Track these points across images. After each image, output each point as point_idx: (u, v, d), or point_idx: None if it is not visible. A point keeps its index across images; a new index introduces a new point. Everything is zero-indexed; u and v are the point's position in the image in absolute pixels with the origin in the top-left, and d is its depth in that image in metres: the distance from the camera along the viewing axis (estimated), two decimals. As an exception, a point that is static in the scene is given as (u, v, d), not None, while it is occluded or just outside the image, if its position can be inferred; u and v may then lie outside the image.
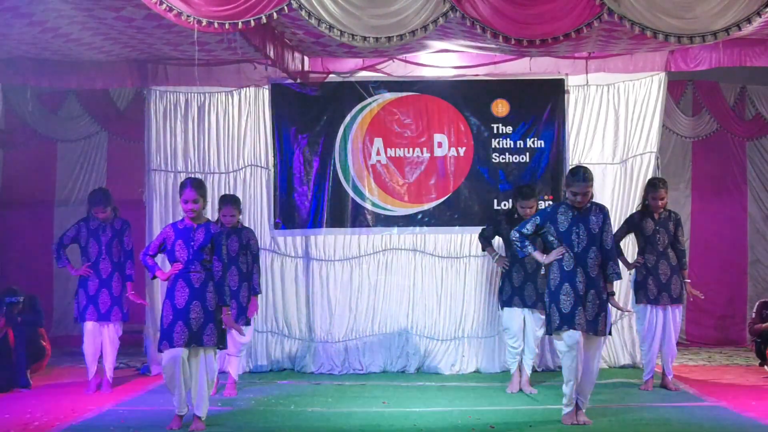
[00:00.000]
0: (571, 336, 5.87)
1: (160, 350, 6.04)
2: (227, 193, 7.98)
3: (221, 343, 6.07)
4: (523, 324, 7.33)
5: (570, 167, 8.26)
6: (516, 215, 7.32)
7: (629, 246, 7.89)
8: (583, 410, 6.00)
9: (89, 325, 7.37)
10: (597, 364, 6.03)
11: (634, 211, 7.62)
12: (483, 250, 7.72)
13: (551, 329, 6.01)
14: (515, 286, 7.28)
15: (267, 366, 8.45)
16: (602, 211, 6.05)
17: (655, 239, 7.22)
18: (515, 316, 7.32)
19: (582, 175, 5.98)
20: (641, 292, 7.24)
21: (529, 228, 6.12)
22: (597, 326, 5.91)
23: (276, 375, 8.27)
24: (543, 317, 7.02)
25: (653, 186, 7.33)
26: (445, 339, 8.41)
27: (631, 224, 7.37)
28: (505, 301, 7.35)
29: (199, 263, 5.95)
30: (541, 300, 7.02)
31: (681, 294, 7.25)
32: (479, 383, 7.82)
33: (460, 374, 8.28)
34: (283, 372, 8.40)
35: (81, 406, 6.70)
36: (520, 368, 7.33)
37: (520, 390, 7.26)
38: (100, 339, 7.40)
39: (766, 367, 7.99)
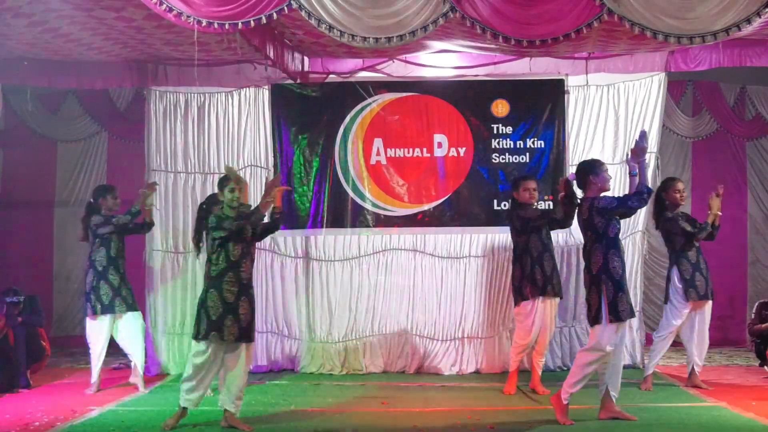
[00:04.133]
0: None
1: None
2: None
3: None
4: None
5: (571, 167, 8.31)
6: (516, 207, 7.33)
7: (628, 246, 7.97)
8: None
9: (105, 320, 7.39)
10: None
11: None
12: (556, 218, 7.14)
13: (619, 317, 5.93)
14: (547, 274, 7.18)
15: (267, 366, 8.45)
16: None
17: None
18: (542, 307, 7.18)
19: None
20: (692, 290, 7.26)
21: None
22: None
23: (276, 375, 8.28)
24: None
25: (672, 179, 7.54)
26: (445, 339, 8.42)
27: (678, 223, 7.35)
28: (541, 288, 7.15)
29: None
30: (561, 289, 7.34)
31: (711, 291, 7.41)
32: (479, 383, 7.83)
33: (460, 374, 8.29)
34: (283, 372, 8.41)
35: (81, 406, 6.70)
36: (522, 368, 7.33)
37: (519, 390, 7.24)
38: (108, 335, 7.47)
39: (766, 367, 7.99)
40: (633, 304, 6.32)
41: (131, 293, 7.50)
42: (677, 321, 7.36)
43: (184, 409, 6.03)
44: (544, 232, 7.24)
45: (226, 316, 5.90)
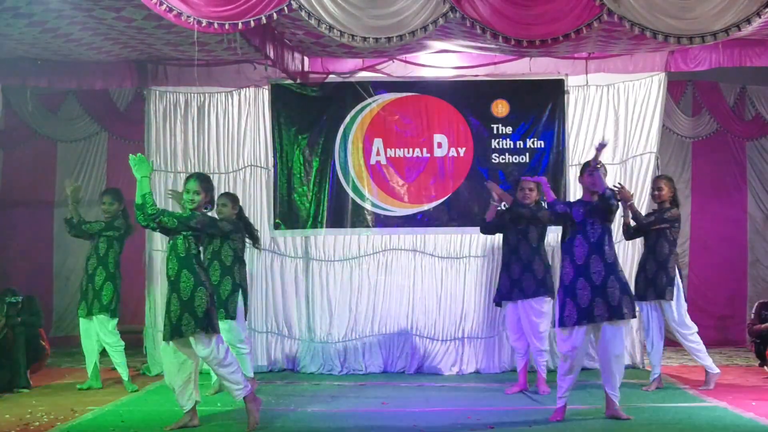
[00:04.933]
0: (580, 331, 5.95)
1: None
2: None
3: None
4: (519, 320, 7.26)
5: (571, 167, 8.31)
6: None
7: (628, 248, 8.00)
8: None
9: (82, 321, 7.54)
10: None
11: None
12: (487, 223, 7.46)
13: (563, 323, 5.97)
14: (513, 278, 7.18)
15: (267, 366, 8.45)
16: None
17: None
18: (513, 312, 7.24)
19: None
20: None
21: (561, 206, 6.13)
22: (623, 309, 5.95)
23: (276, 375, 8.28)
24: (546, 309, 7.14)
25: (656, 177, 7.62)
26: (445, 339, 8.41)
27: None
28: (504, 294, 7.23)
29: None
30: (543, 287, 7.15)
31: (665, 290, 7.21)
32: (479, 383, 7.83)
33: (460, 374, 8.28)
34: (283, 372, 8.41)
35: (81, 406, 6.69)
36: (527, 369, 7.30)
37: (520, 391, 7.24)
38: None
39: (766, 367, 7.99)
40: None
41: (96, 297, 7.39)
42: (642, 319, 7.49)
43: (190, 413, 5.92)
44: (510, 234, 7.26)
45: (165, 315, 5.90)
